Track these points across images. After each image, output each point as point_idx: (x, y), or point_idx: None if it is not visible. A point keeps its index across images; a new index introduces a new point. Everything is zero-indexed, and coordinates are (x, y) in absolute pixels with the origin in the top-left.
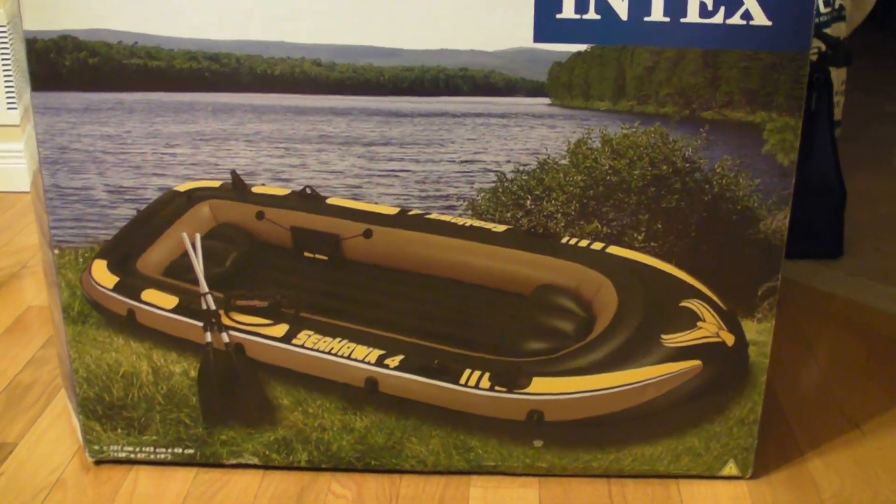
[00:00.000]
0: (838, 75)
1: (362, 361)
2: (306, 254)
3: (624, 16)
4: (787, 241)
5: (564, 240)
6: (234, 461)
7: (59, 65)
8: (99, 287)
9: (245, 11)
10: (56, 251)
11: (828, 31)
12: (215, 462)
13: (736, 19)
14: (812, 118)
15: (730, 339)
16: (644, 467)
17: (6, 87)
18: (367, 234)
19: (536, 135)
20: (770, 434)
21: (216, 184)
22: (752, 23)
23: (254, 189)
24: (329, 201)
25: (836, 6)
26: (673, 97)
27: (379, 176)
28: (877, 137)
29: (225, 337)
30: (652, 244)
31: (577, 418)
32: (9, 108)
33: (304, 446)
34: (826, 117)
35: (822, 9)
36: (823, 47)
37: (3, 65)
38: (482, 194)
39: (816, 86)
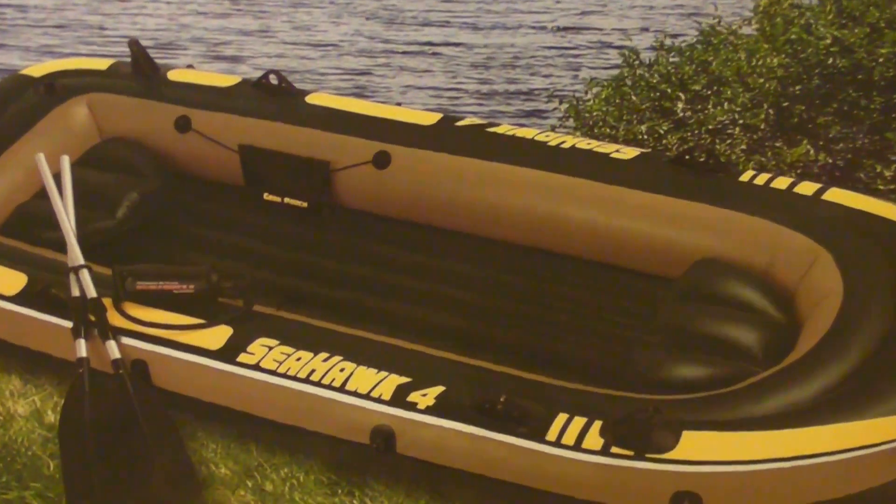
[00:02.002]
0: None
1: (367, 397)
2: (268, 196)
3: None
4: None
5: (746, 176)
6: None
7: None
8: None
9: None
10: None
11: None
12: None
13: None
14: None
15: None
16: None
17: None
18: (381, 160)
19: None
20: None
21: (102, 64)
22: None
23: (171, 75)
24: (311, 99)
25: None
26: None
27: (403, 54)
28: None
29: (113, 349)
30: None
31: None
32: None
33: None
34: None
35: None
36: None
37: None
38: (595, 89)
39: None
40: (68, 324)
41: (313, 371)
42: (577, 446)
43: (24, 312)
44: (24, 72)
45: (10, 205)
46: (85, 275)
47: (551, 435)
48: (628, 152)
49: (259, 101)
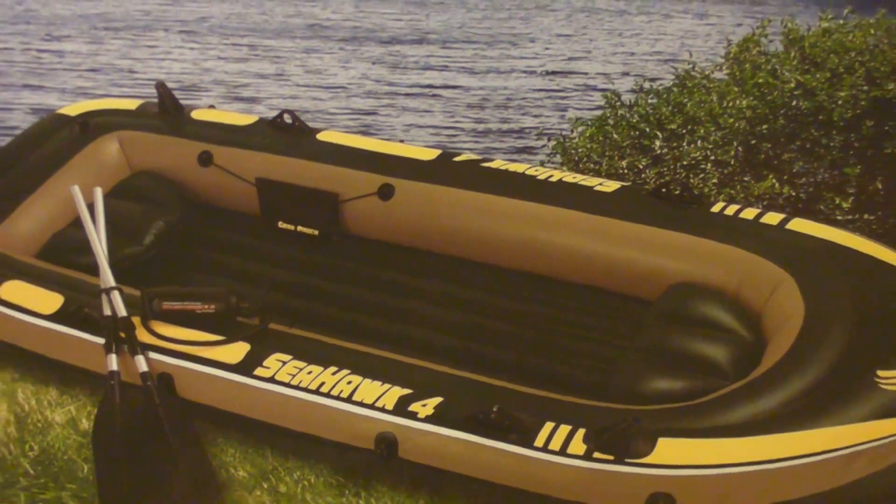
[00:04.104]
0: None
1: (372, 407)
2: (282, 225)
3: None
4: None
5: (717, 207)
6: None
7: None
8: None
9: None
10: None
11: None
12: None
13: None
14: None
15: None
16: None
17: None
18: (385, 192)
19: (674, 29)
20: None
21: (131, 104)
22: None
23: (194, 114)
24: (321, 137)
25: None
26: None
27: (406, 95)
28: None
29: (142, 363)
30: (866, 217)
31: None
32: None
33: None
34: None
35: None
36: None
37: None
38: (580, 128)
39: None
40: (100, 340)
41: (323, 383)
42: (562, 452)
43: (60, 330)
44: (61, 111)
45: (48, 232)
46: (116, 296)
47: (539, 441)
48: (610, 185)
49: (274, 139)
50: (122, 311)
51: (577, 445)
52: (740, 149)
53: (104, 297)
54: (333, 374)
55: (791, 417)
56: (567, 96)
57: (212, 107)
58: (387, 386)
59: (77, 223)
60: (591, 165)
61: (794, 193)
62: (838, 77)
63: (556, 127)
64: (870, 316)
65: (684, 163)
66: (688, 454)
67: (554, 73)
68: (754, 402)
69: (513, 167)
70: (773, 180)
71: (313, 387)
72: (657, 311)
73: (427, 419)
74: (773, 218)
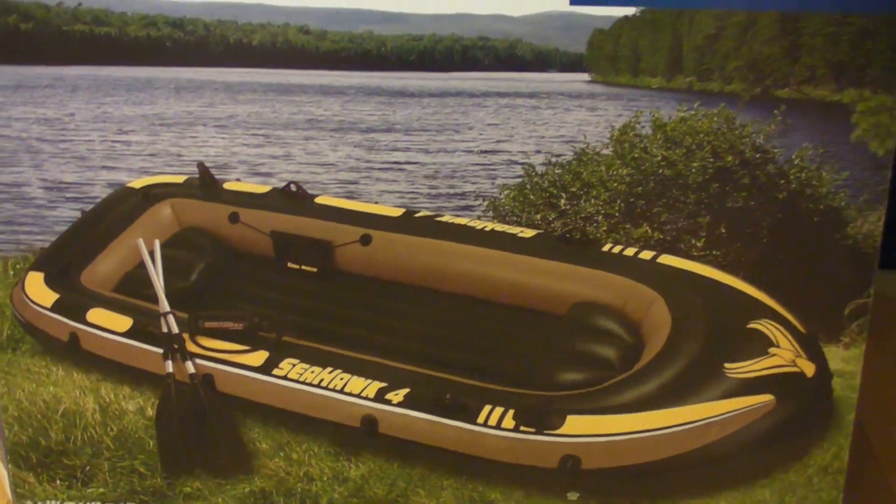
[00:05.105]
0: None
1: (358, 396)
2: (290, 265)
3: None
4: (882, 247)
5: (606, 247)
6: None
7: None
8: (34, 305)
9: None
10: None
11: None
12: None
13: None
14: None
15: (809, 369)
16: None
17: None
18: (365, 240)
19: (573, 119)
20: (860, 486)
21: (179, 179)
22: None
23: (226, 185)
24: (318, 200)
25: None
26: (741, 71)
27: (380, 169)
28: None
29: (190, 366)
30: (714, 253)
31: (622, 465)
32: None
33: (287, 500)
34: None
35: None
36: None
37: None
38: (506, 192)
39: None
40: (160, 350)
41: (322, 379)
42: (497, 426)
43: (131, 343)
44: (128, 185)
45: (121, 272)
46: (170, 318)
47: (481, 419)
48: (528, 233)
49: (284, 202)
50: (175, 329)
51: (508, 421)
52: (622, 205)
53: (162, 318)
54: (330, 372)
55: (663, 398)
56: (496, 169)
57: (238, 180)
58: (369, 381)
59: (142, 265)
60: (514, 219)
61: (661, 237)
62: (692, 152)
63: (489, 191)
64: (718, 324)
65: (582, 216)
66: (589, 426)
67: (486, 151)
68: (637, 388)
69: (458, 220)
70: (647, 227)
71: (315, 382)
72: (565, 323)
73: (399, 405)
74: (647, 255)
